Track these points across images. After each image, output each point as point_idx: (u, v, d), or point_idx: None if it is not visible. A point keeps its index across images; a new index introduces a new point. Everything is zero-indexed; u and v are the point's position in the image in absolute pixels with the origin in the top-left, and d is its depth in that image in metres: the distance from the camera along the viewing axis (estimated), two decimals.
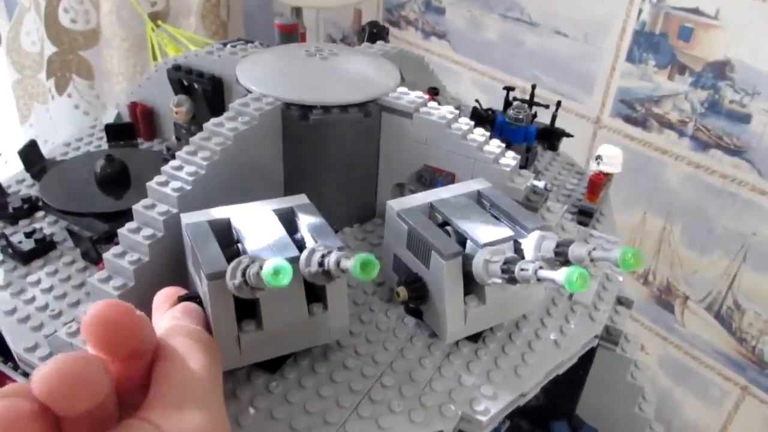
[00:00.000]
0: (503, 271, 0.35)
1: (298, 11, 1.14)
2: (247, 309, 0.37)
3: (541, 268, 0.32)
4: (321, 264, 0.33)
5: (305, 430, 0.36)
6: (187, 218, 0.39)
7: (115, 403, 0.24)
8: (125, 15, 1.12)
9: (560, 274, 0.30)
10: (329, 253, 0.33)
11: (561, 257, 0.35)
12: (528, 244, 0.38)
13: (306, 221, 0.40)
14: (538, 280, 0.32)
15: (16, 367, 0.54)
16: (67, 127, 1.22)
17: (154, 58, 0.93)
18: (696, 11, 0.84)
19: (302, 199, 0.41)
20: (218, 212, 0.40)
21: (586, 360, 0.50)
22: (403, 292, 0.41)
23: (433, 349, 0.43)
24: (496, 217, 0.43)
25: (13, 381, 0.53)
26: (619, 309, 0.52)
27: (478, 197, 0.45)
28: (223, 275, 0.34)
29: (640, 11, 0.90)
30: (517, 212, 0.42)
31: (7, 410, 0.21)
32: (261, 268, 0.30)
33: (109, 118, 0.65)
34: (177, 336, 0.29)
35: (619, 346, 0.50)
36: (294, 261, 0.34)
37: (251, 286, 0.32)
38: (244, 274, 0.32)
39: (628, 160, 0.59)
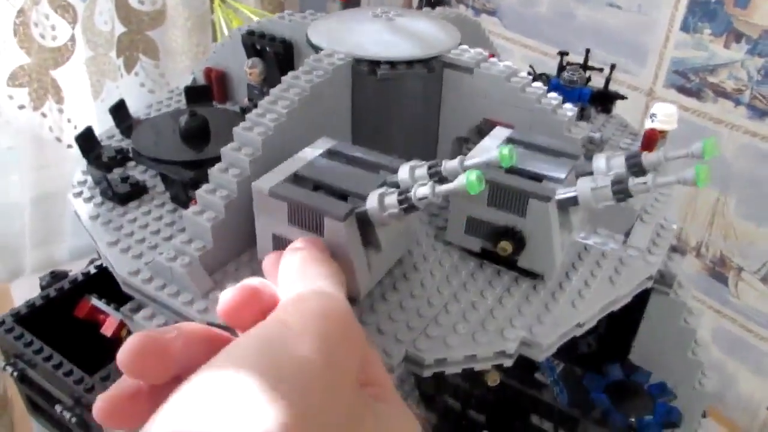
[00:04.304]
0: (617, 192, 0.38)
1: None
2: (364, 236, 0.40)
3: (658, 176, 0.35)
4: (432, 175, 0.38)
5: (379, 345, 0.40)
6: (264, 183, 0.40)
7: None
8: None
9: (690, 173, 0.33)
10: (436, 164, 0.37)
11: (634, 168, 0.37)
12: (597, 165, 0.40)
13: (353, 151, 0.44)
14: (656, 186, 0.36)
15: (117, 308, 0.59)
16: (133, 104, 1.29)
17: (220, 33, 0.98)
18: None
19: (329, 141, 0.45)
20: (283, 169, 0.42)
21: (640, 304, 0.53)
22: (508, 246, 0.43)
23: (494, 284, 0.46)
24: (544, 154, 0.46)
25: (111, 318, 0.58)
26: (674, 256, 0.54)
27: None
28: (351, 213, 0.37)
29: None
30: (557, 145, 0.46)
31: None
32: (437, 182, 0.35)
33: (186, 82, 0.70)
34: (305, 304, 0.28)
35: (672, 290, 0.52)
36: (394, 186, 0.38)
37: (412, 207, 0.35)
38: (403, 202, 0.35)
39: (682, 131, 0.60)
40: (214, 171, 0.45)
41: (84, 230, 0.52)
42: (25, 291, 1.19)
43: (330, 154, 0.44)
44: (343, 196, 0.40)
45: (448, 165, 0.37)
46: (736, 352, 1.06)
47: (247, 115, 0.47)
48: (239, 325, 0.27)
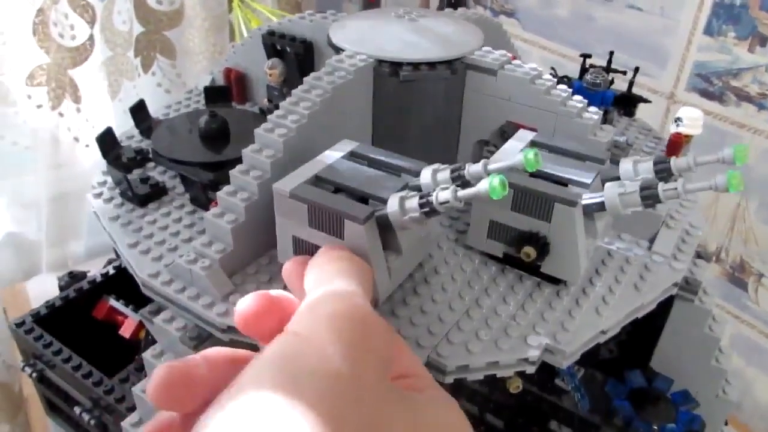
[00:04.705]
0: (645, 198, 0.38)
1: None
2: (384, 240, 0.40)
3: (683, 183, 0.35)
4: (456, 178, 0.37)
5: None
6: (285, 185, 0.40)
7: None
8: None
9: (721, 180, 0.33)
10: (460, 167, 0.37)
11: (662, 173, 0.37)
12: (625, 170, 0.40)
13: (376, 153, 0.44)
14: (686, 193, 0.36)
15: (135, 309, 0.59)
16: (150, 104, 1.30)
17: (239, 32, 0.98)
18: None
19: (349, 143, 0.45)
20: (304, 172, 0.41)
21: (664, 310, 0.52)
22: (531, 251, 0.42)
23: (516, 289, 0.45)
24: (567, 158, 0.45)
25: (129, 319, 0.58)
26: (699, 262, 0.53)
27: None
28: (371, 216, 0.36)
29: None
30: (582, 149, 0.46)
31: None
32: (458, 187, 0.34)
33: (205, 82, 0.69)
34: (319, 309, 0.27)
35: (697, 297, 0.51)
36: (416, 190, 0.38)
37: (433, 211, 0.35)
38: (424, 206, 0.35)
39: (704, 136, 0.59)
40: (235, 173, 0.45)
41: (100, 229, 0.52)
42: (41, 289, 1.20)
43: (352, 156, 0.44)
44: (363, 199, 0.40)
45: (472, 169, 0.37)
46: (754, 358, 1.04)
47: (269, 117, 0.46)
48: (257, 335, 0.27)
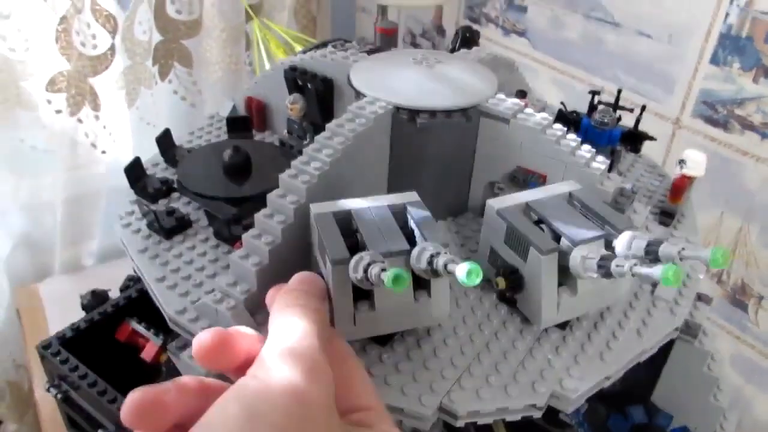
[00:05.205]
0: (599, 266, 0.40)
1: (383, 9, 1.19)
2: (362, 290, 0.41)
3: (635, 265, 0.37)
4: (430, 263, 0.38)
5: (415, 395, 0.42)
6: (316, 208, 0.45)
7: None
8: (226, 8, 1.20)
9: (656, 271, 0.34)
10: (438, 254, 0.37)
11: (651, 255, 0.39)
12: (620, 242, 0.42)
13: (416, 216, 0.45)
14: (633, 275, 0.37)
15: (157, 333, 0.62)
16: (167, 110, 1.32)
17: (258, 53, 1.00)
18: None
19: (413, 196, 0.47)
20: (341, 204, 0.45)
21: (665, 351, 0.54)
22: (501, 282, 0.46)
23: (525, 333, 0.48)
24: (586, 217, 0.47)
25: (150, 343, 0.61)
26: (699, 305, 0.55)
27: (569, 198, 0.49)
28: (345, 262, 0.39)
29: (727, 15, 0.91)
30: (607, 213, 0.46)
31: None
32: (383, 270, 0.35)
33: (226, 109, 0.72)
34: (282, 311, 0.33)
35: (697, 339, 0.53)
36: (405, 254, 0.39)
37: (371, 282, 0.37)
38: (365, 271, 0.37)
39: (708, 162, 0.62)
40: (260, 217, 0.47)
41: (113, 232, 0.54)
42: (54, 291, 1.23)
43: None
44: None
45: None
46: (754, 378, 1.07)
47: (293, 163, 0.49)
48: (216, 368, 0.31)
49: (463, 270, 0.33)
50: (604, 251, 0.42)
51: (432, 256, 0.38)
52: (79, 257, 1.35)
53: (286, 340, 0.30)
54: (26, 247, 1.32)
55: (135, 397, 0.28)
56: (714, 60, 0.95)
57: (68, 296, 0.86)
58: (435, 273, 0.38)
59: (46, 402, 0.93)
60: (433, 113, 0.53)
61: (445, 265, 0.36)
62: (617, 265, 0.38)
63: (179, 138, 0.69)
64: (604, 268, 0.39)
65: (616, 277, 0.39)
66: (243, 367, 0.30)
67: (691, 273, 0.55)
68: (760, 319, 1.03)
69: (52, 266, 1.33)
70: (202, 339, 0.31)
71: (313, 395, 0.27)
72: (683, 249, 0.37)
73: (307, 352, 0.29)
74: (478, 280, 0.33)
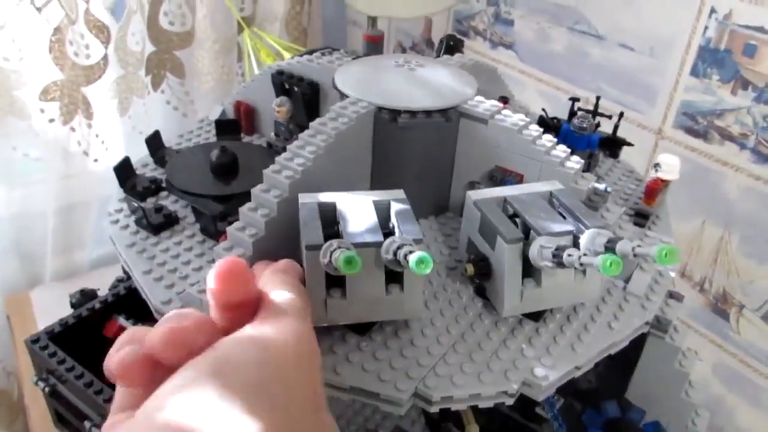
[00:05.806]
0: (554, 255, 0.42)
1: (373, 20, 1.22)
2: (338, 278, 0.43)
3: (585, 255, 0.38)
4: (395, 254, 0.39)
5: (391, 381, 0.43)
6: (302, 198, 0.47)
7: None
8: (218, 19, 1.23)
9: (598, 260, 0.36)
10: (402, 246, 0.39)
11: (610, 251, 0.41)
12: (584, 238, 0.44)
13: (396, 210, 0.47)
14: (581, 264, 0.39)
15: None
16: (159, 120, 1.34)
17: (248, 61, 1.02)
18: (761, 29, 0.88)
19: (400, 194, 0.48)
20: (328, 197, 0.47)
21: (637, 346, 0.56)
22: (470, 268, 0.49)
23: (500, 325, 0.49)
24: (562, 215, 0.49)
25: None
26: (670, 302, 0.57)
27: (550, 197, 0.51)
28: (318, 248, 0.40)
29: (706, 28, 0.94)
30: (581, 212, 0.48)
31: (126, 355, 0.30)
32: (341, 254, 0.37)
33: (216, 113, 0.74)
34: (273, 284, 0.37)
35: (668, 335, 0.55)
36: (376, 246, 0.41)
37: (334, 266, 0.39)
38: (330, 256, 0.39)
39: (688, 171, 0.64)
40: (244, 210, 0.49)
41: (104, 240, 0.56)
42: (45, 298, 1.24)
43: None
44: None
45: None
46: (735, 387, 1.08)
47: (277, 159, 0.51)
48: (233, 297, 0.33)
49: (413, 258, 0.35)
50: (563, 243, 0.43)
51: (398, 247, 0.39)
52: (70, 266, 1.36)
53: (284, 293, 0.35)
54: (17, 255, 1.33)
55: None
56: (694, 72, 0.97)
57: (59, 303, 0.87)
58: (399, 264, 0.40)
59: (36, 408, 0.93)
60: (413, 113, 0.55)
61: (405, 255, 0.38)
62: (569, 255, 0.40)
63: (169, 141, 0.71)
64: (557, 257, 0.41)
65: (567, 267, 0.41)
66: (241, 304, 0.33)
67: (664, 272, 0.56)
68: (741, 328, 1.05)
69: (43, 274, 1.34)
70: (221, 262, 0.32)
71: (312, 335, 0.33)
72: (638, 246, 0.39)
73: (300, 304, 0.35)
74: (427, 270, 0.36)
